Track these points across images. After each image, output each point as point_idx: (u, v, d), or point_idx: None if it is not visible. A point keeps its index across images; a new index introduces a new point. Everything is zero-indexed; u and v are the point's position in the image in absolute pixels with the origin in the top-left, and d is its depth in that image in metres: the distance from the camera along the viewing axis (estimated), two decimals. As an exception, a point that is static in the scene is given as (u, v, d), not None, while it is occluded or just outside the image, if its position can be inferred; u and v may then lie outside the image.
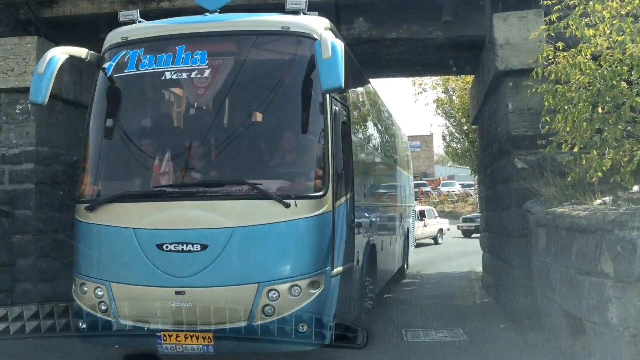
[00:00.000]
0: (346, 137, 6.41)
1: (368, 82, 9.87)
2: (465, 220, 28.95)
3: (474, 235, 27.39)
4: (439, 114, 41.28)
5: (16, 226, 9.24)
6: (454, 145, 43.01)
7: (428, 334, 8.36)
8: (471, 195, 41.95)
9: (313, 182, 5.59)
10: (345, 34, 9.99)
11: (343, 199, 6.07)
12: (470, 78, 16.50)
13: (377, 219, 9.25)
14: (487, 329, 8.72)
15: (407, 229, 14.02)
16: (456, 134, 41.50)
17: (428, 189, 48.57)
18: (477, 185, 45.45)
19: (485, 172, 11.82)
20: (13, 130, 9.43)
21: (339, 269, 5.93)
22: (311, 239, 5.53)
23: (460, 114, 17.85)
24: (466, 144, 37.79)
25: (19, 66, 9.31)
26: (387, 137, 11.37)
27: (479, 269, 14.29)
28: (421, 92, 17.40)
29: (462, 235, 27.80)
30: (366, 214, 8.07)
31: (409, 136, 70.03)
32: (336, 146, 5.83)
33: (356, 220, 6.72)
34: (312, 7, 9.64)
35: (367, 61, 11.13)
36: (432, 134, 79.00)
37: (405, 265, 14.06)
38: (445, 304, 11.00)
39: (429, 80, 17.75)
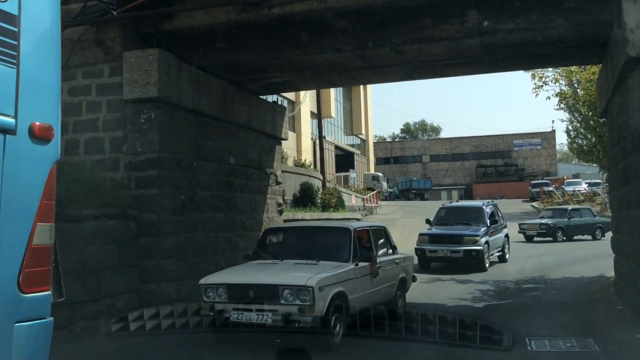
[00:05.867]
0: None
1: None
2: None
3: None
4: (562, 108, 39.04)
5: (142, 229, 9.78)
6: (579, 142, 40.49)
7: (555, 344, 7.79)
8: (599, 194, 39.15)
9: None
10: (458, 27, 9.65)
11: None
12: (596, 68, 15.36)
13: None
14: (622, 339, 8.00)
15: None
16: (581, 129, 39.01)
17: (551, 188, 46.05)
18: (605, 184, 42.55)
19: (616, 168, 10.89)
20: (138, 138, 9.98)
21: None
22: None
23: (586, 107, 16.61)
24: (593, 139, 35.42)
25: (142, 78, 9.86)
26: None
27: (610, 273, 13.23)
28: (542, 86, 16.36)
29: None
30: None
31: (528, 133, 66.94)
32: None
33: None
34: (426, 2, 9.43)
35: (479, 54, 10.68)
36: (554, 131, 75.31)
37: None
38: (573, 311, 10.26)
39: (550, 73, 16.72)
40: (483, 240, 15.64)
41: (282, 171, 19.67)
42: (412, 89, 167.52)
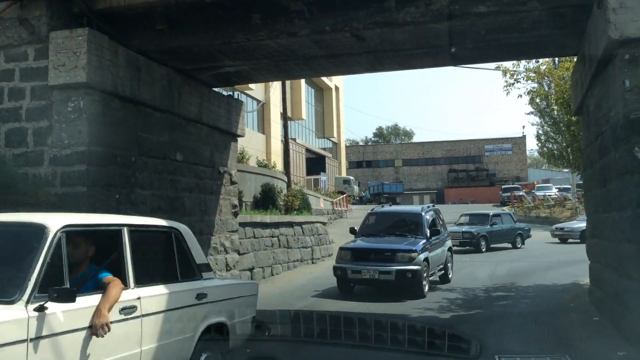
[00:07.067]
0: None
1: None
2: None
3: (569, 241, 24.84)
4: (532, 112, 38.77)
5: (68, 232, 8.63)
6: (550, 146, 40.29)
7: (527, 362, 6.92)
8: (570, 199, 38.92)
9: None
10: (423, 10, 8.76)
11: None
12: (569, 64, 14.68)
13: None
14: (602, 357, 7.18)
15: None
16: (552, 134, 38.80)
17: (521, 193, 45.81)
18: (577, 190, 42.36)
19: (592, 168, 10.12)
20: (65, 129, 8.85)
21: None
22: None
23: (558, 105, 15.91)
24: (564, 143, 35.11)
25: (70, 61, 8.73)
26: None
27: (585, 280, 12.53)
28: (513, 84, 15.60)
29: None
30: None
31: (499, 138, 68.02)
32: None
33: None
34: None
35: (447, 43, 9.81)
36: (524, 136, 75.56)
37: None
38: (547, 323, 9.42)
39: (521, 69, 15.98)
40: (422, 256, 12.05)
41: (242, 171, 18.64)
42: (385, 92, 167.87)
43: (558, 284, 13.63)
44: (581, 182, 40.14)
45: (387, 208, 16.47)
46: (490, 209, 29.57)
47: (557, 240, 25.76)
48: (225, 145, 13.14)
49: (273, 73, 12.25)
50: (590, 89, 9.49)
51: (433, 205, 15.75)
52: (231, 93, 14.19)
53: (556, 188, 46.44)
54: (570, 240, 25.30)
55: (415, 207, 16.44)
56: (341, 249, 12.92)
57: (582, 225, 25.38)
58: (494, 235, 22.60)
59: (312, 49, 10.13)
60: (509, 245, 23.52)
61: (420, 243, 12.44)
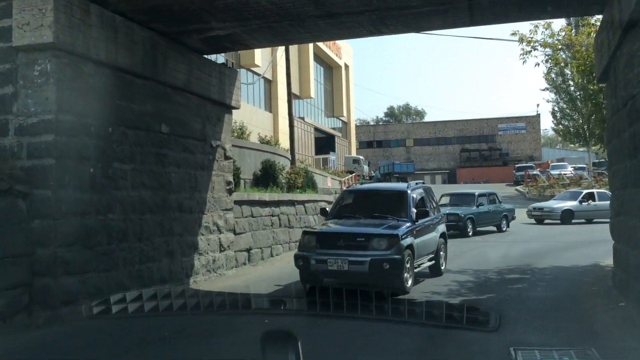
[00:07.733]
0: None
1: None
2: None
3: (546, 222, 23.74)
4: (547, 89, 37.49)
5: (36, 209, 7.81)
6: (566, 123, 39.10)
7: (548, 356, 6.04)
8: (586, 178, 37.76)
9: None
10: (429, -44, 7.74)
11: None
12: (590, 30, 13.57)
13: None
14: (634, 350, 6.27)
15: None
16: (567, 110, 37.62)
17: (536, 171, 44.63)
18: (593, 168, 41.12)
19: (619, 138, 9.10)
20: (31, 95, 7.98)
21: None
22: None
23: (579, 73, 14.75)
24: (580, 120, 33.96)
25: (35, 19, 7.84)
26: None
27: (606, 262, 11.63)
28: (530, 52, 14.46)
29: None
30: None
31: (512, 117, 66.98)
32: None
33: None
34: None
35: (455, 1, 8.79)
36: (538, 115, 74.07)
37: None
38: (567, 310, 8.53)
39: (539, 36, 14.80)
40: (404, 242, 9.83)
41: (240, 147, 17.74)
42: (396, 71, 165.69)
43: (578, 266, 12.70)
44: (597, 160, 39.07)
45: (367, 185, 14.44)
46: (475, 189, 26.97)
47: (533, 221, 24.43)
48: (218, 118, 12.23)
49: (267, 37, 11.25)
50: (619, 48, 8.45)
51: (423, 183, 13.51)
52: (225, 62, 13.21)
53: (571, 167, 45.26)
54: (547, 221, 24.02)
55: (399, 185, 14.20)
56: (304, 233, 10.57)
57: (563, 204, 24.17)
58: (480, 218, 20.42)
59: (306, 7, 9.15)
60: (494, 229, 21.39)
61: (404, 226, 10.18)
